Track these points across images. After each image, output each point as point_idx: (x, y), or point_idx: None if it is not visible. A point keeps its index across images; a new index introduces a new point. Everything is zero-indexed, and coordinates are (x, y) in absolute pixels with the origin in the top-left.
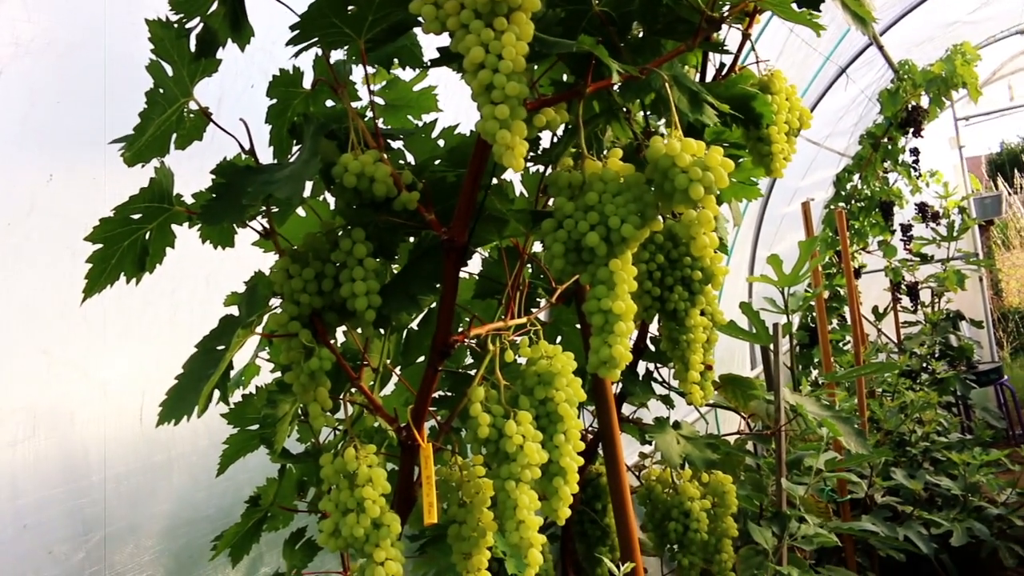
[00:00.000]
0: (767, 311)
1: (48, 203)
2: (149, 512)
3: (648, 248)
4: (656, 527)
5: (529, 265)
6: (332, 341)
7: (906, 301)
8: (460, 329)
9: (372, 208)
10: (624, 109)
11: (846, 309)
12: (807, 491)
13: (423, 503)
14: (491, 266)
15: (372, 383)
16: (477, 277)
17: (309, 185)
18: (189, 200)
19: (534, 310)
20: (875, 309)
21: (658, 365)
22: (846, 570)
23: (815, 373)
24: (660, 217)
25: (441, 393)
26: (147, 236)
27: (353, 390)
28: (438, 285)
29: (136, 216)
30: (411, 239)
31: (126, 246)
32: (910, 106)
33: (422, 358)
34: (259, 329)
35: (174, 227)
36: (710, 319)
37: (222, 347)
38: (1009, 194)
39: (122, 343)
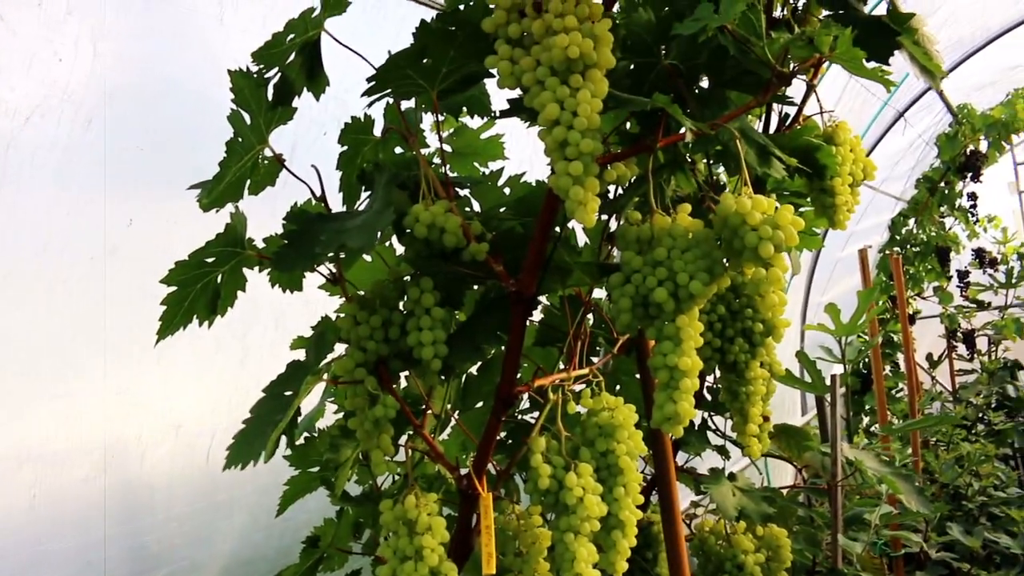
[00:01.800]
0: (822, 360)
1: (128, 246)
2: (210, 551)
3: (708, 299)
4: None
5: (589, 315)
6: (395, 386)
7: (962, 349)
8: (522, 377)
9: (441, 258)
10: (689, 159)
11: (899, 356)
12: (864, 548)
13: (481, 552)
14: (552, 314)
15: (433, 429)
16: (538, 325)
17: (378, 237)
18: (260, 244)
19: (595, 360)
20: (929, 356)
21: (712, 414)
22: None
23: (866, 420)
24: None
25: (499, 437)
26: (219, 279)
27: (414, 436)
28: (502, 335)
29: (210, 260)
30: (476, 287)
31: (199, 289)
32: (968, 150)
33: (480, 403)
34: (326, 376)
35: (244, 270)
36: (768, 370)
37: (290, 392)
38: None
39: (194, 384)
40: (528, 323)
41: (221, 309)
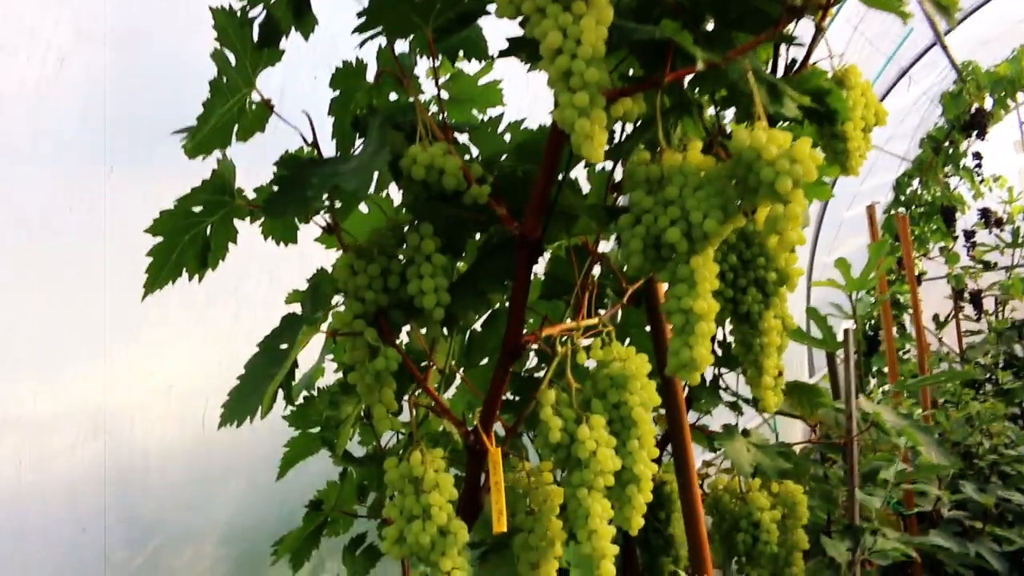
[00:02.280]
0: (832, 316)
1: (108, 196)
2: (208, 518)
3: (720, 248)
4: (723, 538)
5: (597, 265)
6: (397, 341)
7: (969, 309)
8: (528, 331)
9: (441, 202)
10: (696, 105)
11: (906, 318)
12: (883, 503)
13: (491, 510)
14: (558, 265)
15: (437, 385)
16: (543, 277)
17: (374, 179)
18: (251, 195)
19: (603, 312)
20: (936, 318)
21: (723, 371)
22: None
23: (873, 382)
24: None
25: (506, 397)
26: (208, 231)
27: (418, 392)
28: (507, 283)
29: (197, 209)
30: (479, 235)
31: (187, 240)
32: (973, 108)
33: (486, 360)
34: (323, 327)
35: (236, 223)
36: (781, 323)
37: (285, 346)
38: None
39: (185, 344)
40: (533, 276)
41: (212, 262)
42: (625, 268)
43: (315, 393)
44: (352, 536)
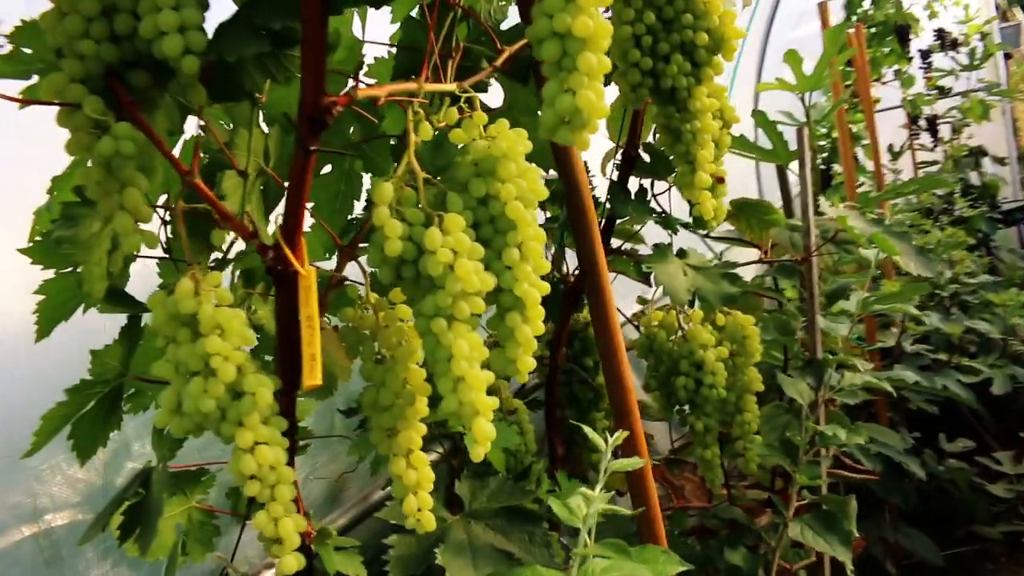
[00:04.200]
0: (783, 124)
1: None
2: None
3: (632, 3)
4: (661, 384)
5: (466, 22)
6: (150, 117)
7: (924, 138)
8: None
9: None
10: None
11: (858, 150)
12: (851, 328)
13: (303, 356)
14: (414, 30)
15: (243, 194)
16: (395, 52)
17: None
18: None
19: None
20: (891, 148)
21: (654, 182)
22: (879, 426)
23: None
24: None
25: (355, 215)
26: None
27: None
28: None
29: None
30: None
31: None
32: None
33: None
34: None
35: None
36: (721, 117)
37: None
38: None
39: None
40: (388, 55)
41: None
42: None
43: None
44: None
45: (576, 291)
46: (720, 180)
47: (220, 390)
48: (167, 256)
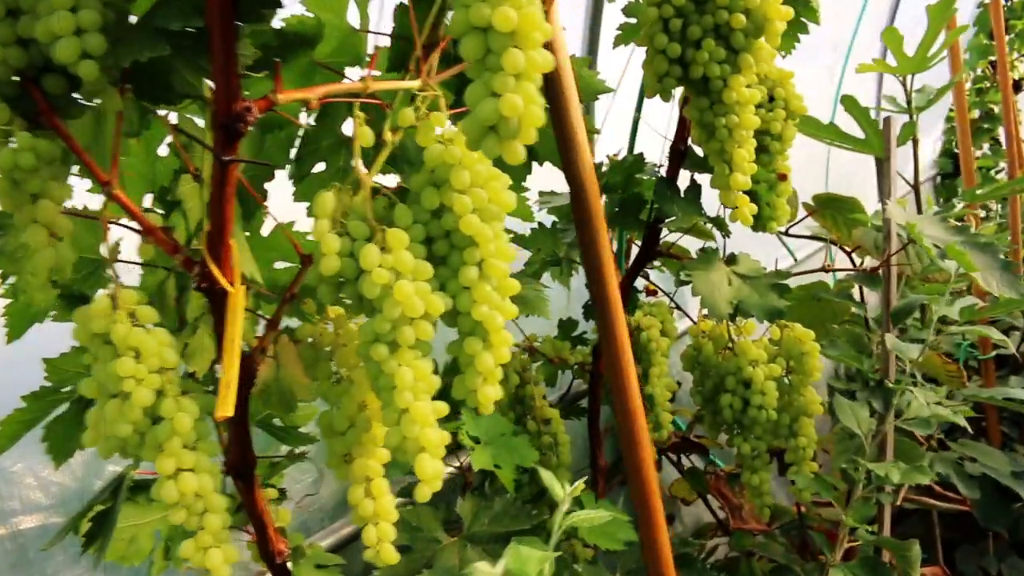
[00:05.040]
0: (888, 111)
1: None
2: None
3: None
4: (706, 401)
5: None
6: (79, 122)
7: None
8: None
9: None
10: None
11: (1000, 131)
12: (923, 351)
13: (220, 382)
14: (406, 18)
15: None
16: (390, 42)
17: None
18: None
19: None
20: None
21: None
22: (985, 444)
23: (960, 207)
24: None
25: None
26: None
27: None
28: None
29: None
30: None
31: None
32: None
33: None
34: None
35: None
36: (784, 107)
37: None
38: None
39: None
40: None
41: None
42: None
43: None
44: None
45: (625, 292)
46: (783, 177)
47: (136, 414)
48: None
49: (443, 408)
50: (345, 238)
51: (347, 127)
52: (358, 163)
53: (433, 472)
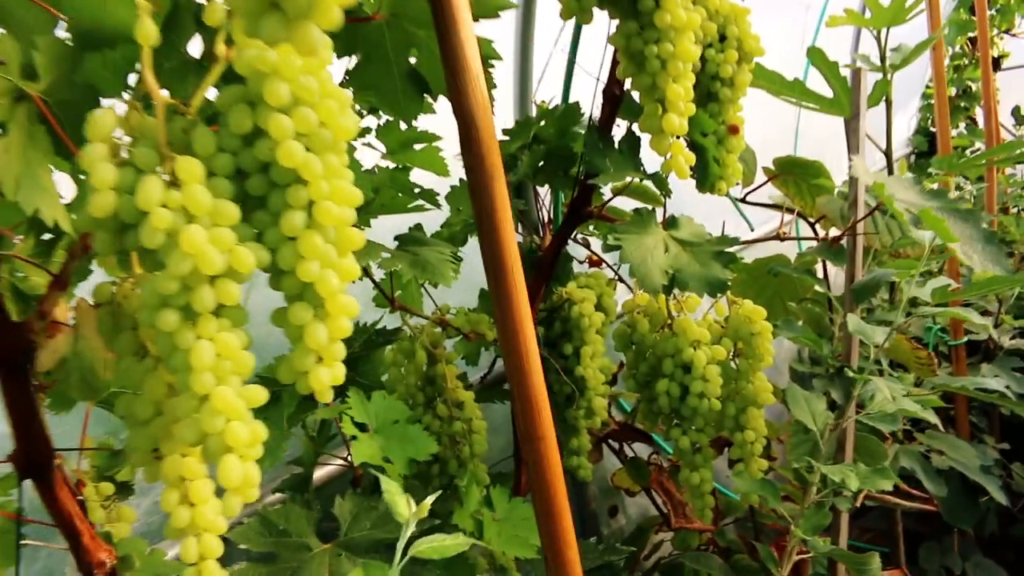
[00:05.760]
0: (860, 68)
1: None
2: None
3: None
4: (641, 387)
5: None
6: None
7: None
8: None
9: None
10: None
11: (978, 110)
12: (890, 335)
13: None
14: None
15: None
16: None
17: None
18: None
19: None
20: (1016, 110)
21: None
22: (953, 436)
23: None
24: None
25: None
26: None
27: None
28: None
29: None
30: None
31: None
32: None
33: None
34: None
35: None
36: (736, 47)
37: None
38: None
39: None
40: None
41: None
42: None
43: None
44: None
45: (550, 259)
46: (734, 130)
47: None
48: None
49: (259, 395)
50: (127, 168)
51: (194, 46)
52: (147, 73)
53: (241, 479)
